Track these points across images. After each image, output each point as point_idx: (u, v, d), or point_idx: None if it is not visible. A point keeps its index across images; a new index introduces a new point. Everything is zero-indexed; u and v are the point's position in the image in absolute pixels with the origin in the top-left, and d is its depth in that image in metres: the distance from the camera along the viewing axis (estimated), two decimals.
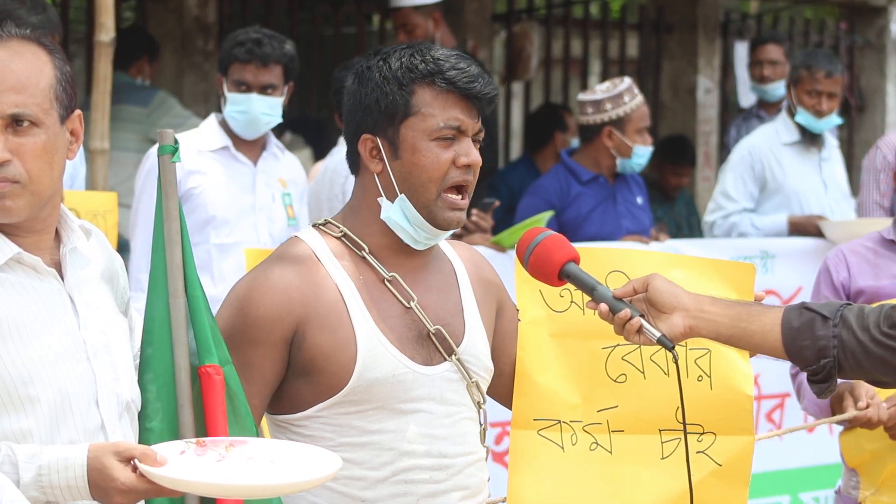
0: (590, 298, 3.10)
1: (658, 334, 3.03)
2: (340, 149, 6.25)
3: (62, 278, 2.87)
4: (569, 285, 3.18)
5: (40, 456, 2.68)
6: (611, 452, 3.39)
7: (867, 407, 4.15)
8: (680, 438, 3.39)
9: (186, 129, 6.17)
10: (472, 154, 3.15)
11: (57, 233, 2.93)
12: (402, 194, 3.15)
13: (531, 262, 3.13)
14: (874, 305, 3.07)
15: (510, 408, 3.41)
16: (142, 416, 2.96)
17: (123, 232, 6.30)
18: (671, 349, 3.03)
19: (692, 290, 3.10)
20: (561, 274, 3.11)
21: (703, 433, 3.40)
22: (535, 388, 3.37)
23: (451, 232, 3.22)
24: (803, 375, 4.39)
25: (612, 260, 3.28)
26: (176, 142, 3.00)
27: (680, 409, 3.36)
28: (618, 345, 3.38)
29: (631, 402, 3.39)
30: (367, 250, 3.19)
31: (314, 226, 3.25)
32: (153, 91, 8.41)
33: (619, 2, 13.47)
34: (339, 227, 3.22)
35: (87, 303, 2.88)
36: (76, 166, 5.79)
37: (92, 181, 5.86)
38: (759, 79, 8.95)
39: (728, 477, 3.37)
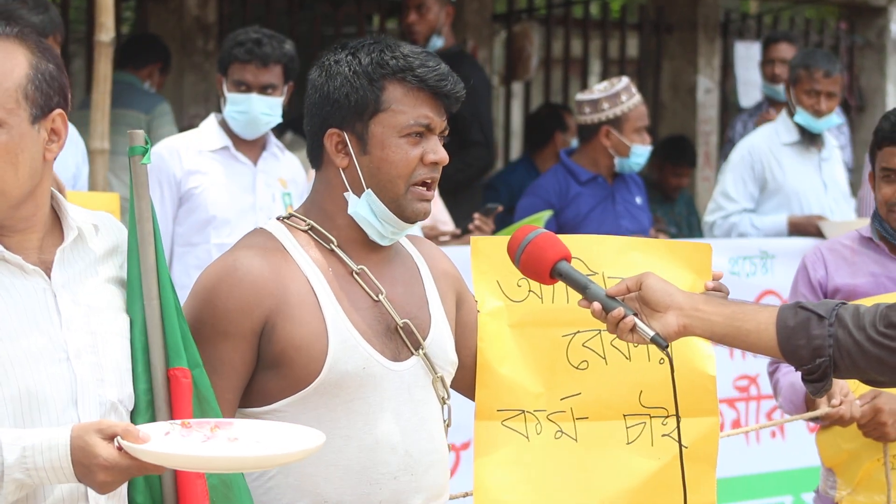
0: (582, 297, 3.11)
1: (652, 333, 3.03)
2: None
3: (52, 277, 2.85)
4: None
5: (25, 438, 2.67)
6: (576, 440, 3.39)
7: (840, 404, 4.16)
8: (645, 423, 3.40)
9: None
10: (439, 152, 3.15)
11: (61, 231, 2.90)
12: (370, 189, 3.14)
13: (523, 260, 3.14)
14: (869, 305, 3.07)
15: (474, 400, 3.40)
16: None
17: None
18: (665, 348, 3.04)
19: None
20: (553, 272, 3.12)
21: (668, 416, 3.39)
22: (498, 378, 3.36)
23: (415, 226, 3.21)
24: (780, 373, 4.41)
25: (570, 247, 3.23)
26: (146, 142, 2.96)
27: (643, 393, 3.39)
28: (578, 332, 3.38)
29: (594, 389, 3.39)
30: (335, 243, 3.17)
31: (278, 219, 3.22)
32: (158, 100, 8.40)
33: (619, 2, 13.48)
34: (305, 221, 3.19)
35: (75, 302, 2.85)
36: (79, 166, 5.78)
37: (92, 181, 5.86)
38: (770, 77, 8.93)
39: (695, 459, 3.35)
